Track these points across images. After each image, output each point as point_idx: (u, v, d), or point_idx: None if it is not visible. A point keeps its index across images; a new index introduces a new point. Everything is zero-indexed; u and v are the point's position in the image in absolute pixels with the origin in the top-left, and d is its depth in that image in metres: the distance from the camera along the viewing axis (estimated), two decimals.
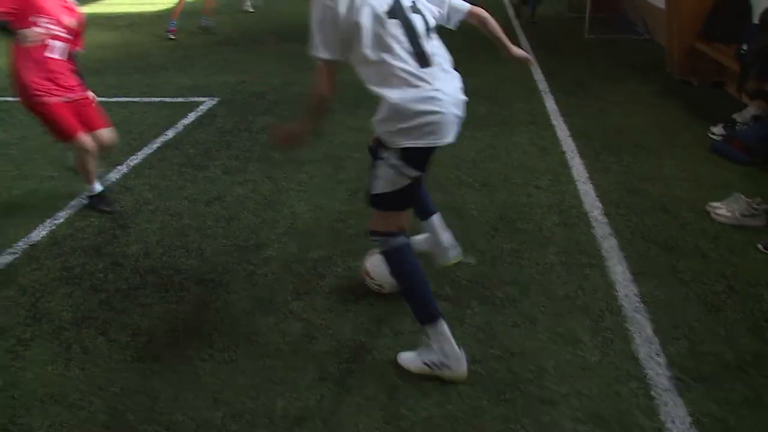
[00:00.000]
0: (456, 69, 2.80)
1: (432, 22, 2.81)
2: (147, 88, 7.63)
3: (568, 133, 5.79)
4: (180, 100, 7.12)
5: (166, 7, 14.67)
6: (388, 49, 2.63)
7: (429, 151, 2.70)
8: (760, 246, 3.86)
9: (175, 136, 5.94)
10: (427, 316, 2.79)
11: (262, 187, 4.81)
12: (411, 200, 2.91)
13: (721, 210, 4.23)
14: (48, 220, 4.40)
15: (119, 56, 9.63)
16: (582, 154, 5.29)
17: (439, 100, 2.62)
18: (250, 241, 4.05)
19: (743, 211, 4.15)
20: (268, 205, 4.54)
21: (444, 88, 2.66)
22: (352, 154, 5.35)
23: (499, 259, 3.75)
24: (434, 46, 2.74)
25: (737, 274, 3.59)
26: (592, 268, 3.66)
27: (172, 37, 10.65)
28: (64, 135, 4.33)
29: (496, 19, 3.18)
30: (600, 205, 4.41)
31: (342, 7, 2.60)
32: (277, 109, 6.62)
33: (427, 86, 2.62)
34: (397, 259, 2.83)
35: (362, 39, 2.62)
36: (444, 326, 2.78)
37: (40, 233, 4.23)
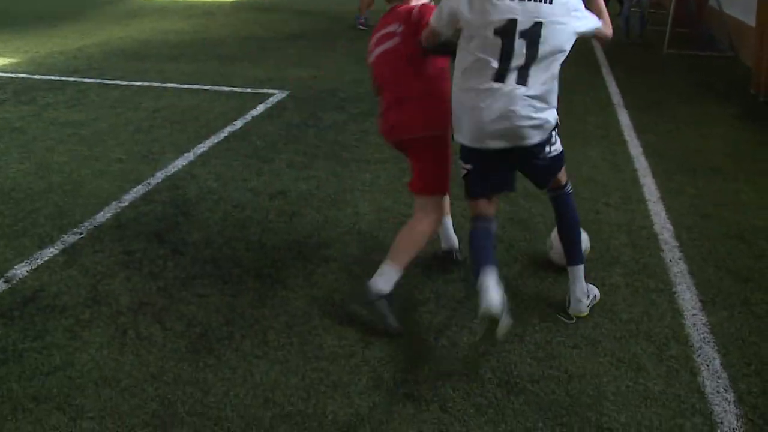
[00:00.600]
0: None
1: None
2: (219, 77, 7.72)
3: (641, 150, 5.60)
4: (250, 90, 7.18)
5: None
6: None
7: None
8: None
9: (243, 127, 5.98)
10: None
11: (327, 185, 4.79)
12: (476, 190, 3.10)
13: None
14: (114, 203, 4.47)
15: (194, 43, 9.80)
16: (654, 174, 5.10)
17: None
18: (311, 238, 4.03)
19: None
20: (332, 203, 4.51)
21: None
22: None
23: (563, 276, 3.63)
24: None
25: None
26: (660, 293, 3.51)
27: (362, 28, 10.94)
28: None
29: None
30: (671, 227, 4.25)
31: None
32: (347, 106, 6.60)
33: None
34: (469, 241, 3.09)
35: None
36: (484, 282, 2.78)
37: (105, 215, 4.30)
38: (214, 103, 6.72)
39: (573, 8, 2.86)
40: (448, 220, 3.77)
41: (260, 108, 6.53)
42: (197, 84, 7.41)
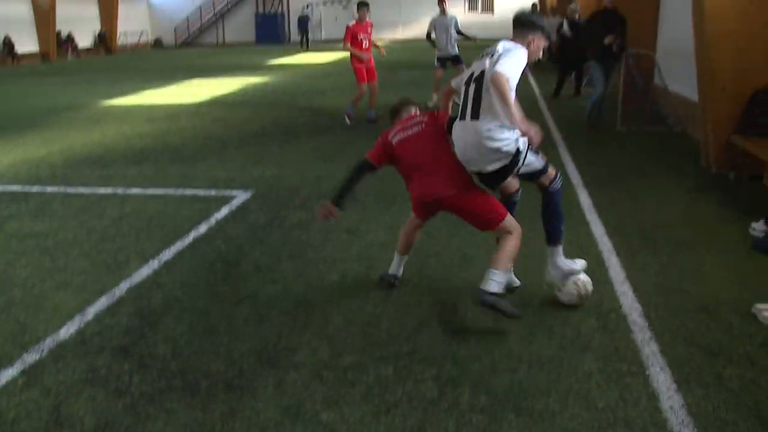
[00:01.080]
0: None
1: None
2: (183, 180, 7.75)
3: (603, 229, 5.70)
4: (214, 193, 7.20)
5: (203, 99, 15.13)
6: None
7: None
8: None
9: (207, 231, 5.96)
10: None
11: (294, 287, 4.76)
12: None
13: None
14: (78, 316, 4.38)
15: (157, 147, 9.87)
16: (618, 252, 5.18)
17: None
18: (280, 344, 3.96)
19: None
20: (300, 305, 4.47)
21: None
22: (385, 253, 5.30)
23: (537, 367, 3.61)
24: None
25: None
26: (633, 377, 3.50)
27: (348, 122, 11.23)
28: None
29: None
30: (639, 306, 4.28)
31: None
32: (311, 204, 6.62)
33: None
34: None
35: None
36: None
37: (68, 330, 4.20)
38: (178, 207, 6.72)
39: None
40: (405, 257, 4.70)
41: (224, 210, 6.53)
42: (161, 188, 7.43)
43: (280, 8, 44.12)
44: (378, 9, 42.10)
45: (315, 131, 10.69)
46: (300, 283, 4.82)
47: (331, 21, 43.82)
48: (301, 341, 3.99)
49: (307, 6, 41.71)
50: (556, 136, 9.96)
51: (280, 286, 4.78)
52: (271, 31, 42.80)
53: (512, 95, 3.75)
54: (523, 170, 4.09)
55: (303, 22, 33.07)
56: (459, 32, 12.90)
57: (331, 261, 5.20)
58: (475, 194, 4.18)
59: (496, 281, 3.95)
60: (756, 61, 7.01)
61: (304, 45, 32.48)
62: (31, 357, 3.88)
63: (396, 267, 4.69)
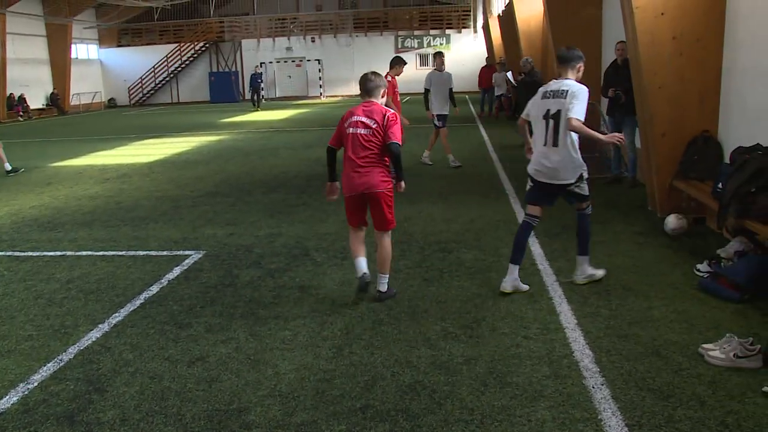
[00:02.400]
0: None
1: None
2: (134, 241, 7.65)
3: (554, 278, 5.78)
4: (166, 253, 7.12)
5: (156, 159, 15.06)
6: None
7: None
8: (766, 389, 3.73)
9: (159, 292, 5.88)
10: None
11: (246, 346, 4.70)
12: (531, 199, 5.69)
13: (715, 352, 4.14)
14: (21, 384, 4.25)
15: (108, 208, 9.75)
16: (570, 300, 5.24)
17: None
18: (232, 405, 3.89)
19: (738, 353, 4.06)
20: (252, 365, 4.40)
21: None
22: (337, 309, 5.29)
23: (489, 418, 3.61)
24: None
25: (739, 421, 3.46)
26: (586, 423, 3.52)
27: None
28: None
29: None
30: (590, 353, 4.32)
31: None
32: (263, 262, 6.60)
33: None
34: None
35: None
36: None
37: (10, 399, 4.07)
38: (129, 269, 6.63)
39: None
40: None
41: (176, 271, 6.46)
42: (112, 250, 7.32)
43: (234, 66, 44.43)
44: (333, 66, 42.98)
45: (268, 189, 10.69)
46: (252, 342, 4.76)
47: (285, 79, 44.27)
48: (253, 401, 3.93)
49: (261, 64, 42.04)
50: (507, 185, 10.14)
51: (232, 345, 4.71)
52: (226, 90, 42.95)
53: (585, 128, 5.17)
54: (577, 190, 5.43)
55: (255, 80, 33.14)
56: (451, 92, 12.13)
57: (284, 319, 5.15)
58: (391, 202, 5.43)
59: (385, 283, 5.44)
60: (690, 110, 7.31)
61: (257, 103, 32.52)
62: None
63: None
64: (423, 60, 41.93)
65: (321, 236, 7.49)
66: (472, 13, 43.28)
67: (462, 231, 7.52)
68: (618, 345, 4.41)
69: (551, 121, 5.29)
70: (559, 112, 5.23)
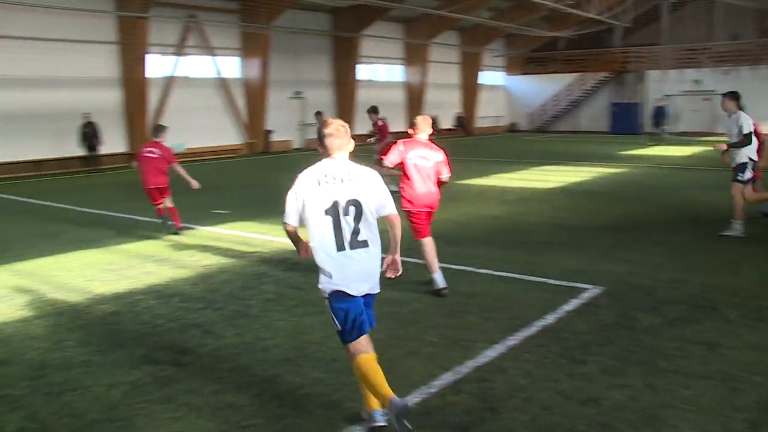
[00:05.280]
0: None
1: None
2: (530, 266, 7.79)
3: None
4: (563, 283, 7.10)
5: (554, 185, 15.27)
6: None
7: None
8: None
9: (555, 322, 5.88)
10: None
11: (643, 397, 4.43)
12: None
13: None
14: (423, 387, 4.58)
15: (506, 229, 10.14)
16: None
17: None
18: None
19: None
20: (648, 419, 4.13)
21: None
22: (751, 376, 4.72)
23: None
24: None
25: None
26: None
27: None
28: None
29: None
30: None
31: None
32: (663, 309, 6.18)
33: None
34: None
35: None
36: None
37: (413, 399, 4.38)
38: (525, 293, 6.77)
39: None
40: None
41: (573, 303, 6.40)
42: (509, 272, 7.54)
43: (636, 97, 43.25)
44: (748, 100, 39.15)
45: (670, 229, 10.05)
46: (649, 394, 4.46)
47: (690, 113, 41.72)
48: None
49: (665, 96, 40.15)
50: None
51: (628, 393, 4.48)
52: (626, 121, 42.00)
53: None
54: None
55: (659, 113, 31.67)
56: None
57: (685, 375, 4.75)
58: None
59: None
60: None
61: (657, 136, 31.02)
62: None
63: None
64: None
65: (732, 289, 6.76)
66: None
67: None
68: None
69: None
70: None
